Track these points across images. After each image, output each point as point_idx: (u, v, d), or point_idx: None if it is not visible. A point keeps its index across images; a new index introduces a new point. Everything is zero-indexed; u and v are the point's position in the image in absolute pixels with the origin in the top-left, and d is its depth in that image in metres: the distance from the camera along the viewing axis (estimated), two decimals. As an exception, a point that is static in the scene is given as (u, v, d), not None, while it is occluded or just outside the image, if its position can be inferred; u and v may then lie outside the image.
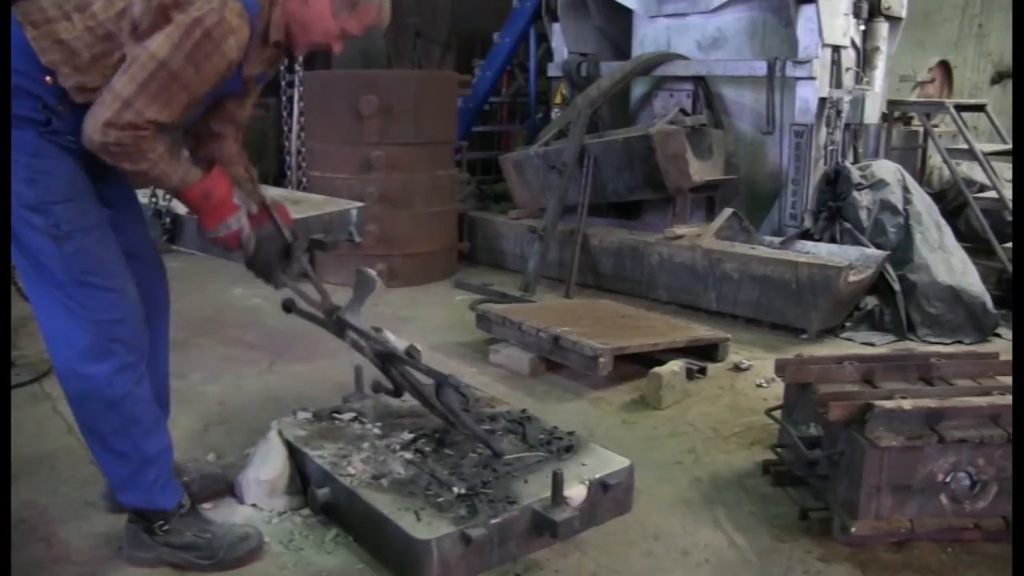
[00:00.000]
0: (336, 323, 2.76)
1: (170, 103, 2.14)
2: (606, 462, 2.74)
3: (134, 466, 2.38)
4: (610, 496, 2.66)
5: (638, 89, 6.49)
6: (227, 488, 2.81)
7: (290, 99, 6.13)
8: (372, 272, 2.80)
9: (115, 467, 2.40)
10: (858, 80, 5.75)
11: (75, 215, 2.21)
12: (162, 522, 2.43)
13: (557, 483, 2.43)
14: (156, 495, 2.42)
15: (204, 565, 2.42)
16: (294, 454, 2.81)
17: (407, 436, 2.86)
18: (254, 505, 2.76)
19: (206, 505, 2.75)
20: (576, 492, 2.55)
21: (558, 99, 7.05)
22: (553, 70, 6.98)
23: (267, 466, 2.78)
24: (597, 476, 2.64)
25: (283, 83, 6.01)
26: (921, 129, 6.36)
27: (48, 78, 2.12)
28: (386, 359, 2.77)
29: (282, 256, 2.64)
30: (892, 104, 6.25)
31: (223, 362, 4.11)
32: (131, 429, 2.34)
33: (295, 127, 6.13)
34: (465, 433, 2.76)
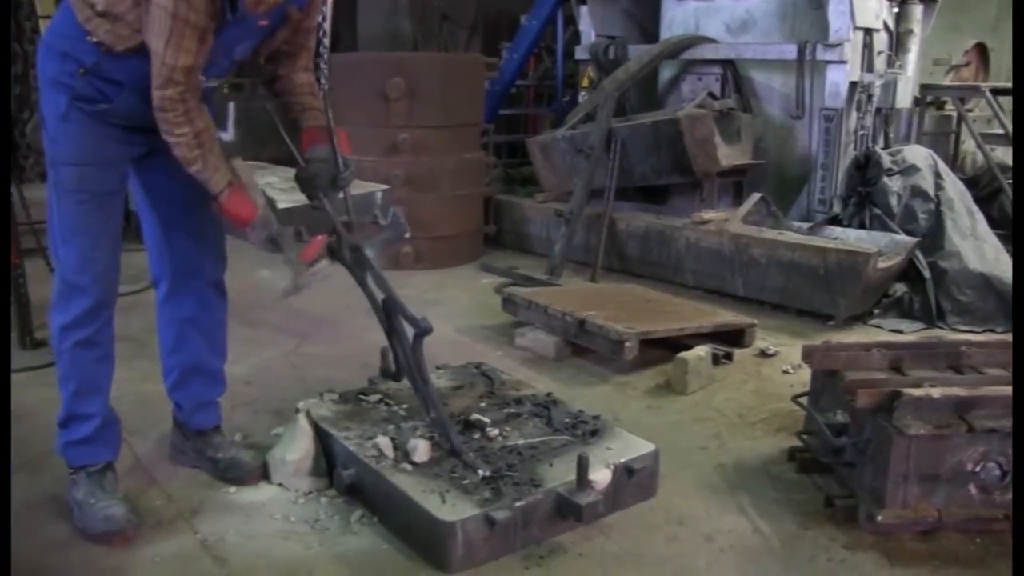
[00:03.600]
0: (354, 254, 2.69)
1: (181, 43, 2.20)
2: (631, 446, 2.74)
3: (63, 413, 2.57)
4: (635, 481, 2.67)
5: (666, 72, 6.43)
6: (248, 475, 2.83)
7: (317, 80, 6.13)
8: (404, 221, 2.79)
9: (61, 404, 2.58)
10: (890, 64, 5.68)
11: (81, 179, 2.40)
12: (71, 470, 2.61)
13: (582, 467, 2.44)
14: (69, 448, 2.60)
15: (77, 528, 2.53)
16: (320, 435, 2.83)
17: (432, 418, 2.87)
18: (280, 485, 2.79)
19: (231, 489, 2.79)
20: (601, 476, 2.56)
21: (585, 82, 7.02)
22: (580, 53, 6.93)
23: (293, 447, 2.80)
24: (622, 460, 2.64)
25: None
26: (955, 114, 6.27)
27: (88, 36, 2.28)
28: (389, 308, 2.73)
29: (330, 181, 2.63)
30: (925, 88, 6.16)
31: (250, 344, 4.13)
32: (67, 382, 2.54)
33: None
34: (433, 415, 2.74)
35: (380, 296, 2.71)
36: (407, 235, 2.79)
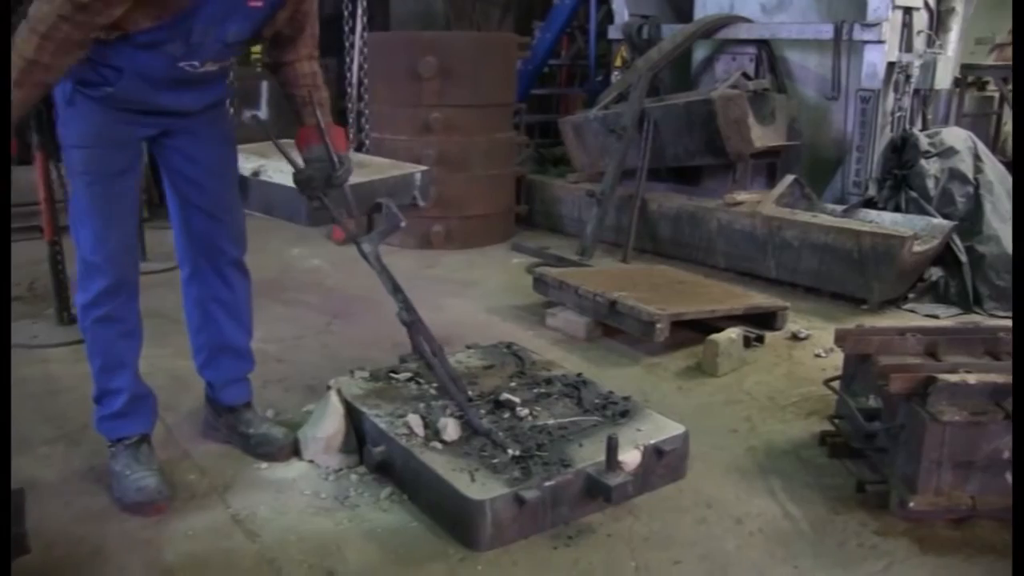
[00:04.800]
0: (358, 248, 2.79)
1: None
2: (661, 428, 2.74)
3: (96, 389, 2.65)
4: (664, 462, 2.67)
5: (700, 52, 6.37)
6: (279, 451, 2.85)
7: (356, 60, 6.13)
8: (398, 211, 2.81)
9: (92, 380, 2.65)
10: (930, 43, 5.56)
11: (88, 161, 2.42)
12: (110, 443, 2.68)
13: (612, 448, 2.44)
14: (104, 422, 2.67)
15: (115, 498, 2.59)
16: (351, 413, 2.85)
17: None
18: (311, 461, 2.81)
19: (262, 465, 2.82)
20: (630, 457, 2.56)
21: (618, 62, 6.96)
22: (613, 32, 6.88)
23: (324, 423, 2.82)
24: (652, 442, 2.64)
25: (347, 44, 6.02)
26: (997, 94, 6.15)
27: None
28: (398, 291, 2.80)
29: (325, 181, 2.66)
30: (966, 68, 6.03)
31: (282, 321, 4.17)
32: (93, 359, 2.61)
33: (355, 89, 6.14)
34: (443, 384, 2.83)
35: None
36: (402, 224, 2.80)
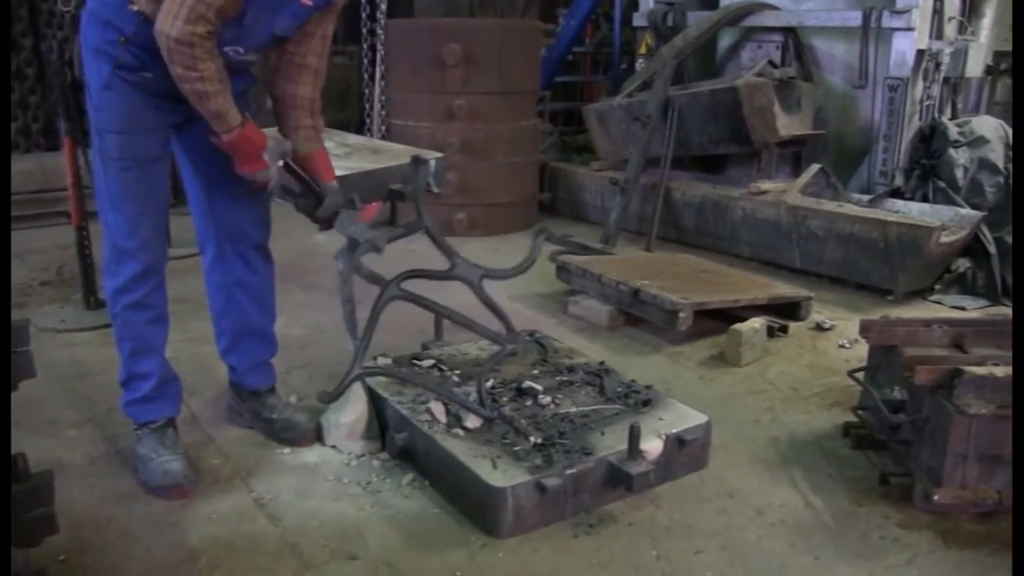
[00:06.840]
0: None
1: None
2: (683, 417, 2.73)
3: (124, 373, 2.68)
4: (686, 451, 2.66)
5: (725, 40, 6.31)
6: (302, 437, 2.87)
7: (372, 47, 6.14)
8: (361, 231, 2.83)
9: (120, 364, 2.69)
10: (962, 30, 5.48)
11: (124, 147, 2.45)
12: (136, 427, 2.71)
13: (634, 436, 2.44)
14: (131, 406, 2.70)
15: (140, 481, 2.62)
16: (374, 399, 2.86)
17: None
18: (334, 447, 2.83)
19: (285, 450, 2.84)
20: (652, 446, 2.56)
21: (643, 49, 6.91)
22: (638, 20, 6.83)
23: (347, 409, 2.84)
24: (674, 431, 2.64)
25: (364, 31, 6.02)
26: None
27: (130, 5, 2.31)
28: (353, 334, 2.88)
29: (309, 213, 2.72)
30: (999, 55, 5.94)
31: (305, 307, 4.19)
32: (123, 343, 2.65)
33: (377, 75, 6.15)
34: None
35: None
36: (381, 250, 2.88)
